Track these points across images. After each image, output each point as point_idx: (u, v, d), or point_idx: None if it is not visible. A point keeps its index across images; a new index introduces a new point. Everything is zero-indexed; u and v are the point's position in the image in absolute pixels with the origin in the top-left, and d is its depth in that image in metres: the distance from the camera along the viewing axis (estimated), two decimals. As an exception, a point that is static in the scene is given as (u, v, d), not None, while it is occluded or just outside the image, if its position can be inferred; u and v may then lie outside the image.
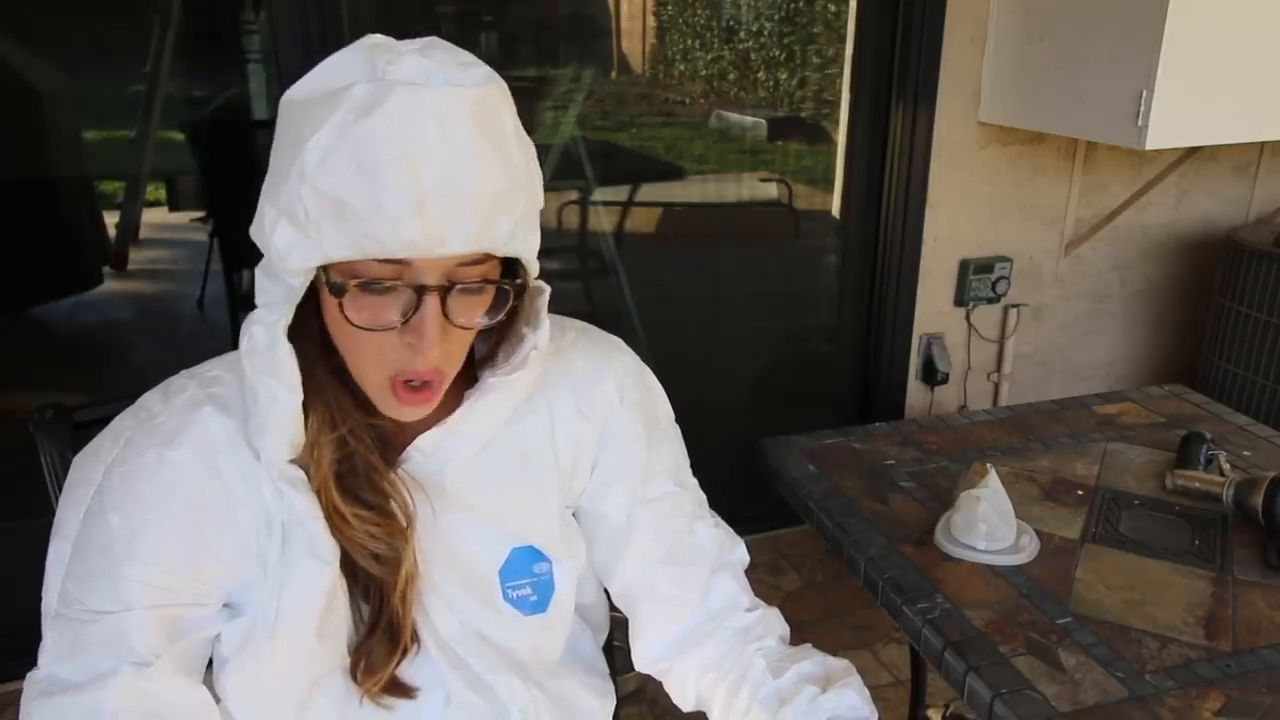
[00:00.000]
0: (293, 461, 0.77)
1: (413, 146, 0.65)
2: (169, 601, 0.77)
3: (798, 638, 0.93)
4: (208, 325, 2.38)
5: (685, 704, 0.94)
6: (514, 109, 0.74)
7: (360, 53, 0.69)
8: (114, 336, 2.41)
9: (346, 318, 0.71)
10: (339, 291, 0.70)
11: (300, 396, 0.75)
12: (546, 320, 0.82)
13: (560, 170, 2.44)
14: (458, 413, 0.81)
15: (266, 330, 0.73)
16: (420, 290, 0.70)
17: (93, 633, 0.76)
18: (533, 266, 0.77)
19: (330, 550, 0.78)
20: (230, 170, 2.31)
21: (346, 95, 0.66)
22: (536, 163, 0.76)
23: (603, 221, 2.56)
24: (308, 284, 0.71)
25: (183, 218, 2.41)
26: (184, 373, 0.84)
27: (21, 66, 2.10)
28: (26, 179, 2.17)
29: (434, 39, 0.72)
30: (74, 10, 2.06)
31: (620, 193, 2.60)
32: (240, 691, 0.82)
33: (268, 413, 0.75)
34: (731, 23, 2.63)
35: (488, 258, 0.73)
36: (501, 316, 0.76)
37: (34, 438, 0.98)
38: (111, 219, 2.34)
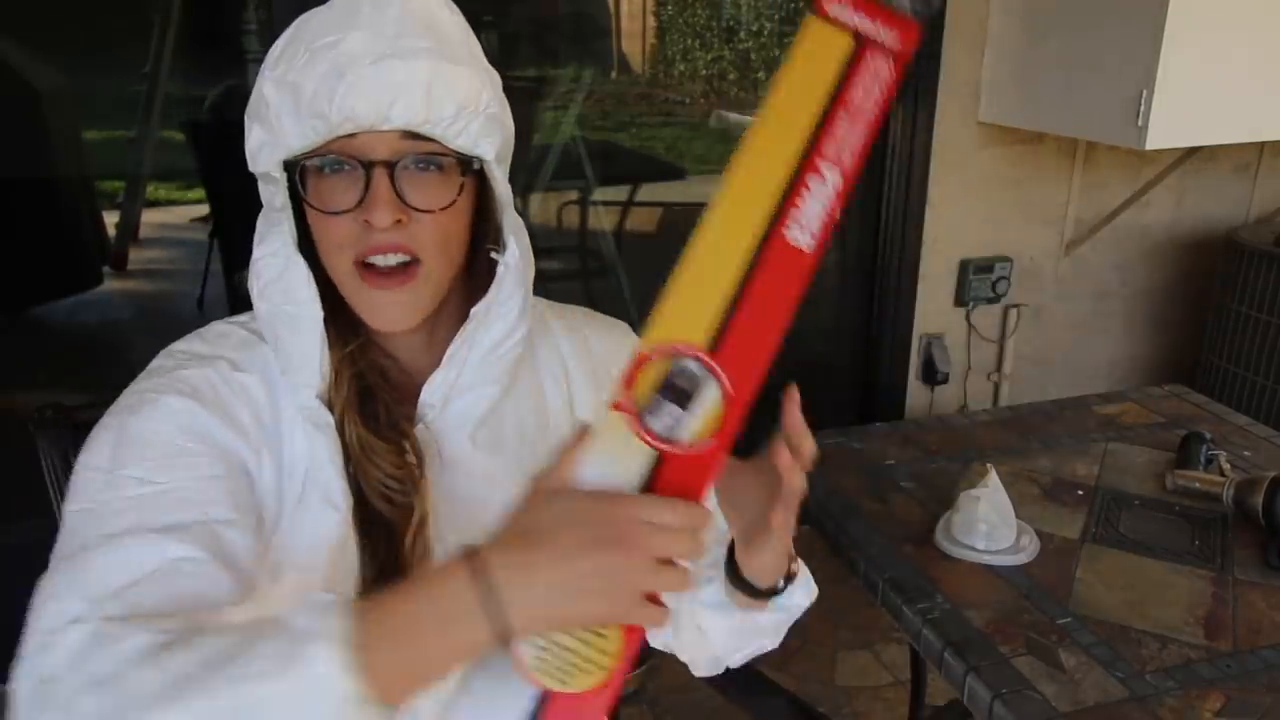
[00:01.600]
0: (318, 399, 0.78)
1: (347, 23, 0.72)
2: (230, 490, 0.73)
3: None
4: (208, 325, 2.37)
5: (697, 668, 0.95)
6: (461, 19, 0.79)
7: None
8: (114, 336, 2.41)
9: (310, 204, 0.74)
10: (302, 180, 0.74)
11: (320, 309, 0.76)
12: (516, 245, 0.81)
13: (560, 170, 2.43)
14: (450, 349, 0.81)
15: (276, 256, 0.76)
16: (369, 166, 0.72)
17: (143, 501, 0.68)
18: (494, 170, 0.78)
19: (343, 496, 0.78)
20: (229, 170, 2.30)
21: (308, 12, 0.74)
22: (490, 67, 0.79)
23: (603, 221, 2.56)
24: (289, 196, 0.75)
25: (183, 217, 2.41)
26: (216, 321, 0.85)
27: (21, 66, 2.10)
28: (26, 179, 2.17)
29: None
30: (74, 10, 2.06)
31: (620, 193, 2.60)
32: None
33: (290, 341, 0.76)
34: (731, 23, 2.63)
35: (444, 150, 0.74)
36: (456, 197, 0.76)
37: (34, 438, 0.98)
38: (111, 219, 2.34)
